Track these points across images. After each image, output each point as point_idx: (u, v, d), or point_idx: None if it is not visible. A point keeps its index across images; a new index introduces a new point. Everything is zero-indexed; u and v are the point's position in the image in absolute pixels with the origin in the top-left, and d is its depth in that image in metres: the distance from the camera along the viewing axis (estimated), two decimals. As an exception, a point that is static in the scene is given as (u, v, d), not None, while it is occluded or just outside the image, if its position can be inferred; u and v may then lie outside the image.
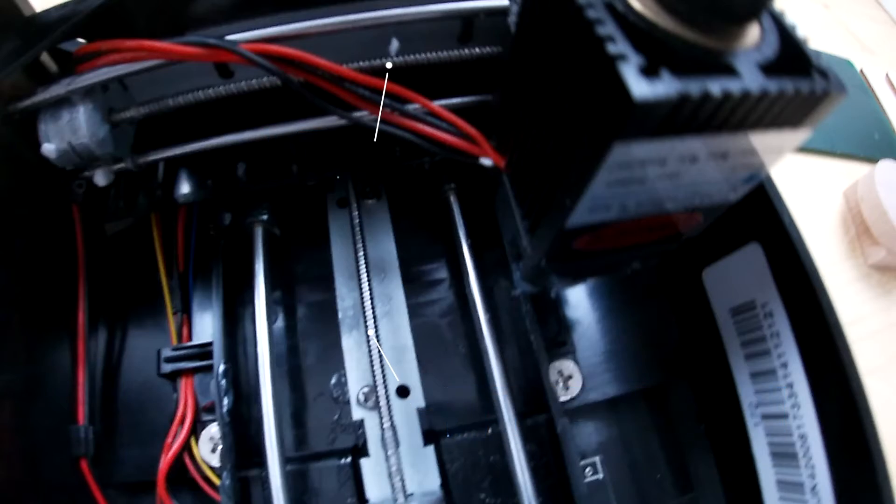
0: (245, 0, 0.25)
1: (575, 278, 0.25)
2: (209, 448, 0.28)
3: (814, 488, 0.24)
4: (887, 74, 0.59)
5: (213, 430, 0.28)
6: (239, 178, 0.28)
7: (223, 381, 0.27)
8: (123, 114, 0.24)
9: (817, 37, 0.61)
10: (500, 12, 0.24)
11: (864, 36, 0.66)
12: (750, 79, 0.14)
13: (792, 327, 0.24)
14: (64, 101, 0.23)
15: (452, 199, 0.30)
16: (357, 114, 0.24)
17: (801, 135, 0.18)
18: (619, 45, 0.14)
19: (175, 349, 0.29)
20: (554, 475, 0.27)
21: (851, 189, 0.35)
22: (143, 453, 0.28)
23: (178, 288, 0.29)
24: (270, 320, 0.27)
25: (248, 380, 0.29)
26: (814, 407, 0.24)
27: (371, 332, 0.28)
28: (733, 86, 0.14)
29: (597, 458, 0.29)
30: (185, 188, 0.27)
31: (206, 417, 0.28)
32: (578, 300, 0.32)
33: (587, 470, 0.29)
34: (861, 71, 0.59)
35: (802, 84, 0.15)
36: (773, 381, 0.26)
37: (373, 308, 0.29)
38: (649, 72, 0.13)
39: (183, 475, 0.28)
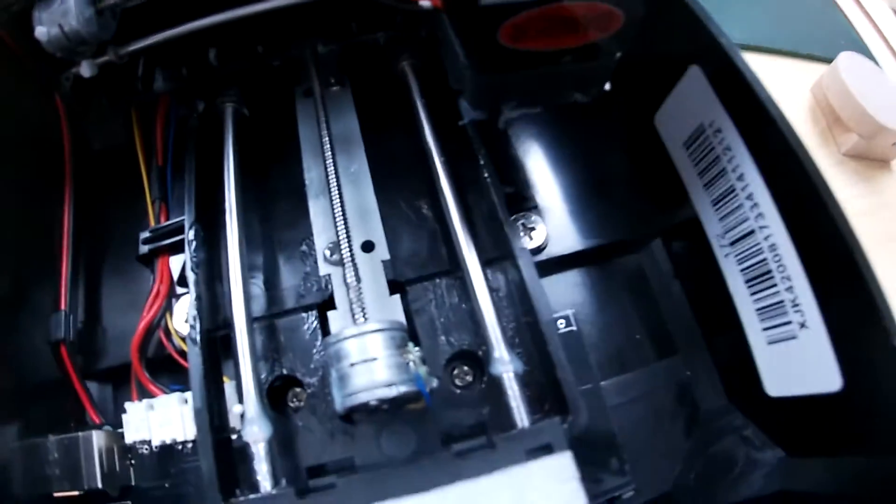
0: None
1: (518, 98, 0.26)
2: (183, 320, 0.28)
3: (795, 302, 0.23)
4: None
5: (186, 302, 0.29)
6: (210, 63, 0.30)
7: (192, 238, 0.27)
8: (105, 1, 0.26)
9: None
10: None
11: None
12: None
13: (740, 133, 0.24)
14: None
15: (408, 69, 0.32)
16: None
17: None
18: None
19: (151, 230, 0.30)
20: (521, 322, 0.27)
21: (817, 83, 0.36)
22: (123, 337, 0.29)
23: (158, 179, 0.31)
24: (239, 191, 0.28)
25: (219, 248, 0.29)
26: (777, 210, 0.23)
27: (334, 193, 0.28)
28: None
29: (569, 312, 0.28)
30: (162, 78, 0.30)
31: (180, 291, 0.29)
32: (540, 156, 0.32)
33: (559, 322, 0.28)
34: None
35: None
36: (733, 199, 0.25)
37: (336, 174, 0.29)
38: None
39: (162, 358, 0.28)
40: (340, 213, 0.27)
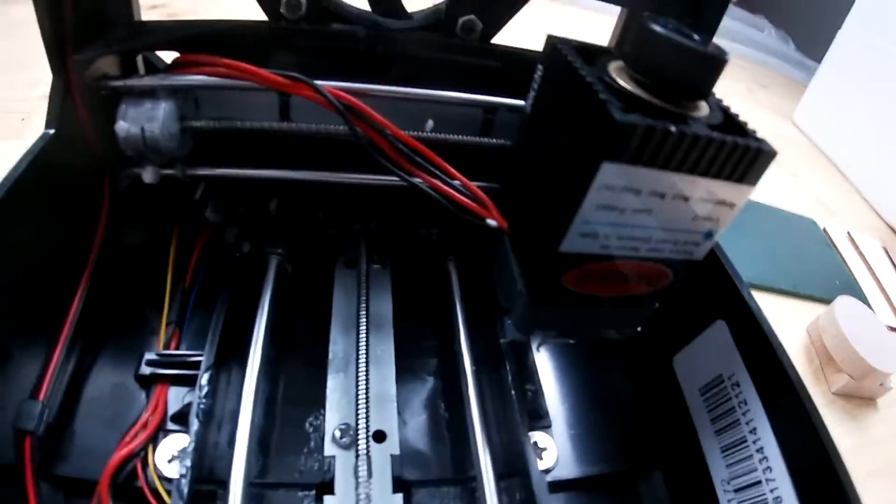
0: (319, 63, 0.31)
1: (559, 328, 0.27)
2: (166, 458, 0.26)
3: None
4: (848, 232, 0.68)
5: (174, 442, 0.26)
6: (269, 211, 0.31)
7: (205, 384, 0.26)
8: (193, 122, 0.28)
9: (786, 201, 0.72)
10: (516, 110, 0.31)
11: (827, 200, 0.77)
12: (699, 128, 0.20)
13: (758, 392, 0.27)
14: (149, 94, 0.26)
15: (452, 268, 0.33)
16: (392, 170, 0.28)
17: (745, 192, 0.23)
18: (608, 96, 0.20)
19: (159, 354, 0.28)
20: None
21: (813, 324, 0.39)
22: (93, 451, 0.26)
23: (180, 302, 0.30)
24: (267, 349, 0.28)
25: (225, 403, 0.28)
26: (785, 467, 0.25)
27: (361, 376, 0.28)
28: (686, 129, 0.19)
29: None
30: (215, 208, 0.30)
31: (170, 427, 0.27)
32: (558, 378, 0.33)
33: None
34: (824, 229, 0.69)
35: (739, 139, 0.20)
36: (744, 449, 0.27)
37: (367, 356, 0.29)
38: (627, 111, 0.19)
39: (130, 488, 0.26)
40: (364, 399, 0.27)
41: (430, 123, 0.30)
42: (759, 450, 0.26)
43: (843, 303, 0.40)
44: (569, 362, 0.35)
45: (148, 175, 0.28)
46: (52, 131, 0.27)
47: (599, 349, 0.35)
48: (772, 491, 0.25)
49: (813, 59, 1.05)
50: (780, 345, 0.26)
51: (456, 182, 0.28)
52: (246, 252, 0.32)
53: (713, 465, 0.29)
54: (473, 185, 0.28)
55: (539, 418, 0.31)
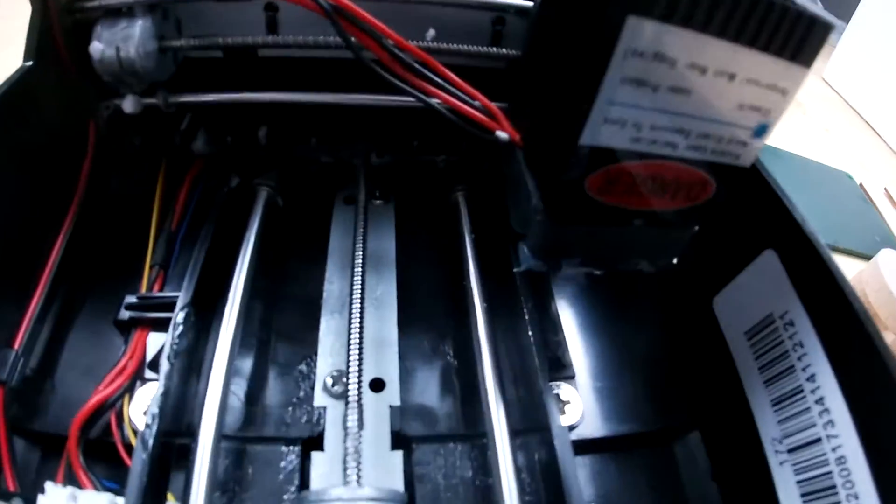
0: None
1: (583, 253, 0.24)
2: (142, 409, 0.24)
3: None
4: (885, 189, 0.66)
5: (150, 390, 0.24)
6: (259, 140, 0.28)
7: (181, 322, 0.24)
8: (173, 42, 0.25)
9: (820, 155, 0.71)
10: (526, 12, 0.27)
11: (860, 156, 0.75)
12: None
13: (817, 332, 0.22)
14: (125, 14, 0.24)
15: (461, 198, 0.30)
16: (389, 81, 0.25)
17: (799, 75, 0.19)
18: None
19: (140, 297, 0.26)
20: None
21: (857, 278, 0.36)
22: (70, 403, 0.24)
23: (165, 243, 0.28)
24: (249, 284, 0.25)
25: (206, 347, 0.26)
26: (852, 419, 0.20)
27: (355, 316, 0.25)
28: None
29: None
30: (204, 139, 0.28)
31: (148, 375, 0.25)
32: (582, 322, 0.29)
33: (586, 512, 0.24)
34: (861, 184, 0.67)
35: (792, 3, 0.17)
36: (799, 401, 0.23)
37: (362, 295, 0.26)
38: None
39: (105, 443, 0.24)
40: (357, 341, 0.24)
41: (432, 32, 0.27)
42: (819, 401, 0.22)
43: (888, 256, 0.36)
44: (595, 304, 0.31)
45: (128, 104, 0.26)
46: (29, 63, 0.26)
47: (630, 289, 0.30)
48: (834, 450, 0.21)
49: (841, 18, 1.03)
50: (842, 274, 0.22)
51: (465, 96, 0.24)
52: (234, 186, 0.29)
53: (762, 422, 0.24)
54: (482, 96, 0.25)
55: (562, 367, 0.27)
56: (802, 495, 0.22)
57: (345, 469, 0.21)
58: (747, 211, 0.25)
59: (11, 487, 0.23)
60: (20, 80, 0.25)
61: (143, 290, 0.27)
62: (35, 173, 0.26)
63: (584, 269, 0.24)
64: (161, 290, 0.27)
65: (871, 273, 0.35)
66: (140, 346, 0.25)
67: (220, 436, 0.21)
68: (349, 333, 0.24)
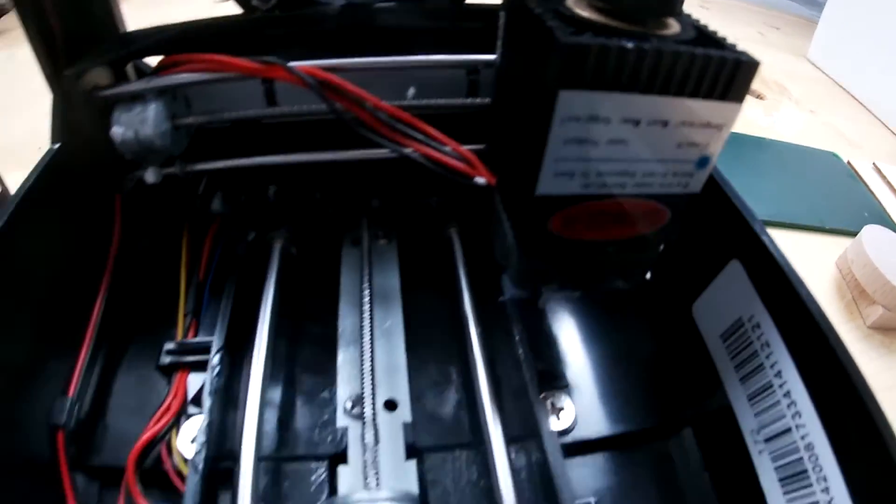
0: (296, 39, 0.31)
1: (558, 280, 0.26)
2: (188, 440, 0.27)
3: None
4: (874, 163, 0.65)
5: (195, 424, 0.28)
6: (269, 198, 0.32)
7: (217, 364, 0.27)
8: (184, 119, 0.29)
9: (806, 137, 0.71)
10: (492, 65, 0.30)
11: (849, 133, 0.75)
12: (664, 44, 0.18)
13: (779, 331, 0.25)
14: (139, 98, 0.28)
15: (454, 235, 0.33)
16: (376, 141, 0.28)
17: (732, 111, 0.21)
18: (556, 23, 0.18)
19: (177, 343, 0.30)
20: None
21: (842, 257, 0.36)
22: (122, 439, 0.28)
23: (195, 294, 0.32)
24: (273, 328, 0.29)
25: (241, 378, 0.29)
26: (814, 409, 0.23)
27: (366, 347, 0.29)
28: (647, 45, 0.18)
29: (591, 500, 0.27)
30: (220, 200, 0.31)
31: (191, 410, 0.28)
32: (573, 336, 0.32)
33: (580, 508, 0.26)
34: (848, 162, 0.67)
35: (713, 51, 0.19)
36: (770, 396, 0.25)
37: (371, 328, 0.30)
38: (576, 33, 0.18)
39: (157, 472, 0.27)
40: (369, 369, 0.27)
41: (412, 91, 0.30)
42: (787, 394, 0.25)
43: (871, 231, 0.36)
44: (584, 319, 0.34)
45: (150, 175, 0.30)
46: (56, 146, 0.28)
47: (614, 303, 0.33)
48: (802, 438, 0.24)
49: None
50: (798, 277, 0.24)
51: (444, 146, 0.27)
52: (251, 240, 0.33)
53: (741, 416, 0.27)
54: (458, 145, 0.28)
55: (554, 378, 0.30)
56: (780, 479, 0.25)
57: (365, 478, 0.25)
58: (713, 225, 0.27)
59: (74, 520, 0.27)
60: (51, 161, 0.28)
61: (179, 336, 0.31)
62: (72, 242, 0.29)
63: (563, 292, 0.26)
64: (195, 335, 0.31)
65: (856, 250, 0.35)
66: (182, 386, 0.29)
67: (260, 458, 0.25)
68: (362, 363, 0.28)
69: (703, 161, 0.22)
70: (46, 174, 0.27)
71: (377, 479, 0.25)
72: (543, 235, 0.23)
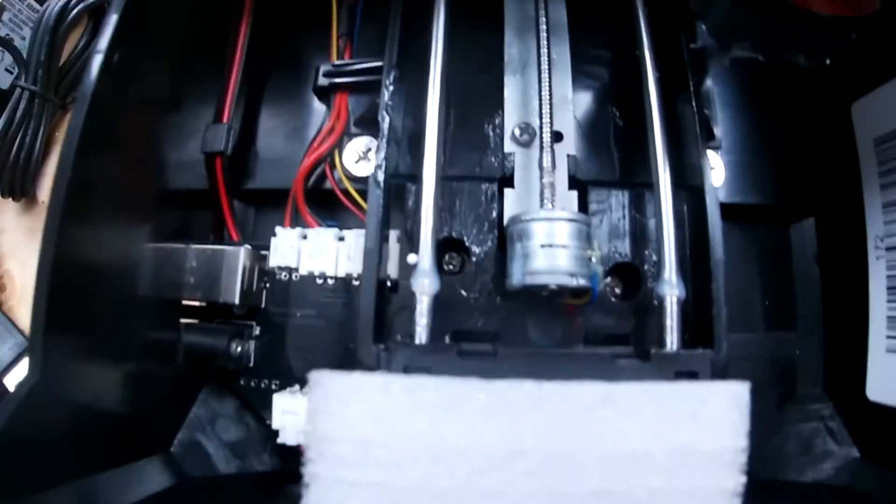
0: None
1: (755, 40, 0.26)
2: (353, 159, 0.28)
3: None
4: None
5: (358, 144, 0.28)
6: None
7: (391, 82, 0.26)
8: None
9: None
10: None
11: None
12: None
13: None
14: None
15: None
16: None
17: None
18: None
19: (335, 65, 0.29)
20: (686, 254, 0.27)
21: None
22: (279, 163, 0.28)
23: (347, 15, 0.30)
24: (446, 42, 0.27)
25: (404, 110, 0.28)
26: None
27: (544, 75, 0.27)
28: None
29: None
30: None
31: (354, 130, 0.28)
32: (730, 105, 0.32)
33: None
34: None
35: None
36: (906, 209, 0.25)
37: (549, 56, 0.28)
38: None
39: (317, 191, 0.28)
40: (548, 96, 0.27)
41: None
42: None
43: None
44: (743, 90, 0.33)
45: None
46: None
47: (777, 83, 0.32)
48: None
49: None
50: None
51: None
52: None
53: (871, 220, 0.28)
54: None
55: (711, 137, 0.29)
56: (888, 288, 0.26)
57: (542, 199, 0.25)
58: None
59: (236, 238, 0.28)
60: None
61: (333, 58, 0.30)
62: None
63: (750, 53, 0.26)
64: (351, 57, 0.30)
65: None
66: (344, 107, 0.28)
67: (440, 175, 0.24)
68: (539, 90, 0.27)
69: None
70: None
71: (553, 203, 0.25)
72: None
